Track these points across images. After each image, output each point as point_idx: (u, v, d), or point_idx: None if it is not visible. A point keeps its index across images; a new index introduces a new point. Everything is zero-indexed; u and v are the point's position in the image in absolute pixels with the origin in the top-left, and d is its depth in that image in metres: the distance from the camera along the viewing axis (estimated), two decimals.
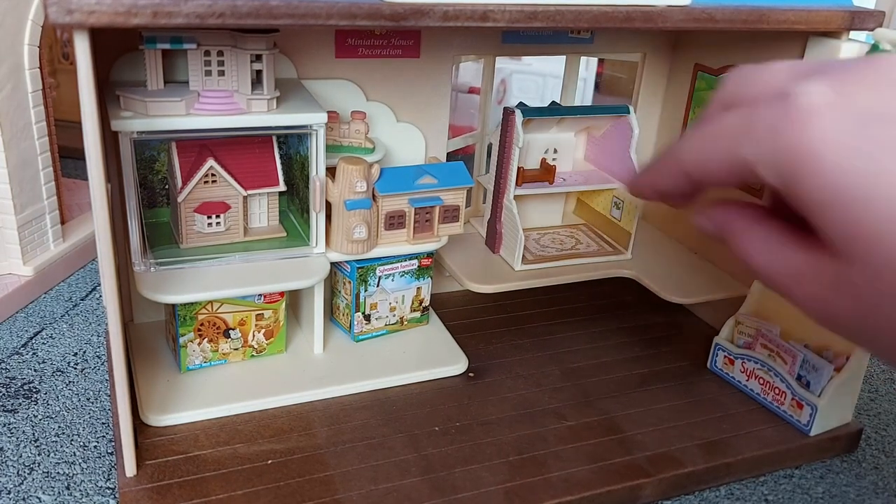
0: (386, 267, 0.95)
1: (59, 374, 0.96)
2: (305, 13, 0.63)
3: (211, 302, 0.87)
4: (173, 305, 0.86)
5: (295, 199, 0.93)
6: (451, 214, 0.94)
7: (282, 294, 0.91)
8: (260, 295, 0.89)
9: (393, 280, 0.96)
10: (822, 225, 0.37)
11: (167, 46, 0.76)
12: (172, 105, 0.76)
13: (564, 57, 1.13)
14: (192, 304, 0.86)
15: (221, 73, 0.79)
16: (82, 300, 1.13)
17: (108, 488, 0.79)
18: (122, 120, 0.75)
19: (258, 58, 0.78)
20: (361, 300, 0.96)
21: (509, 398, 0.92)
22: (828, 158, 0.35)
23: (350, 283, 0.95)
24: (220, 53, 0.78)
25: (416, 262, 0.97)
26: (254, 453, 0.80)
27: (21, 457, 0.82)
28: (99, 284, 1.16)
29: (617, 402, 0.93)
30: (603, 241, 1.10)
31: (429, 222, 0.93)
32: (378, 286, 0.96)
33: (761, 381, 0.93)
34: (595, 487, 0.79)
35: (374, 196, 0.89)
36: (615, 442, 0.86)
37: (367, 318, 0.97)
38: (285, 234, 0.91)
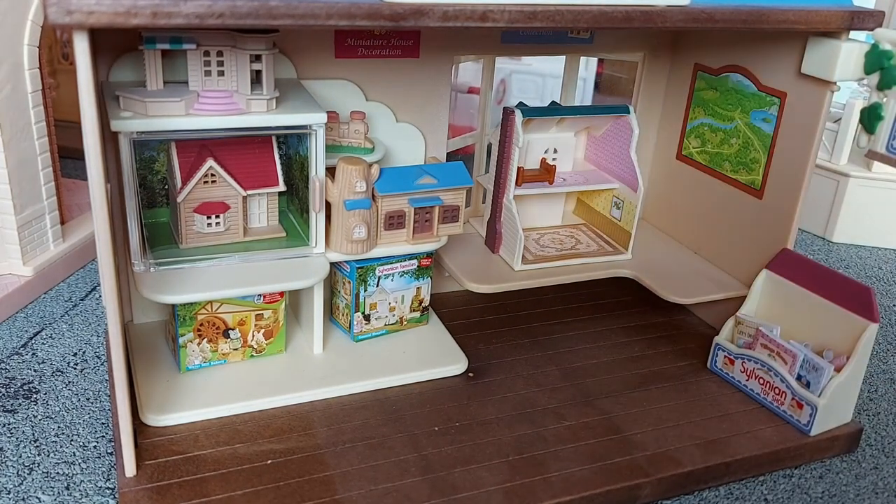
0: (385, 267, 0.95)
1: (58, 374, 0.96)
2: (305, 13, 0.64)
3: (210, 302, 0.87)
4: (173, 305, 0.86)
5: (294, 199, 0.93)
6: (450, 214, 0.94)
7: (281, 294, 0.91)
8: (259, 295, 0.89)
9: (392, 280, 0.96)
10: None
11: (167, 47, 0.76)
12: (172, 105, 0.76)
13: (564, 57, 1.13)
14: (191, 304, 0.86)
15: (221, 74, 0.79)
16: (82, 300, 1.13)
17: (108, 488, 0.79)
18: (122, 120, 0.75)
19: (258, 58, 0.78)
20: (361, 300, 0.96)
21: (509, 398, 0.92)
22: None
23: (350, 283, 0.95)
24: (220, 54, 0.78)
25: (415, 262, 0.97)
26: (254, 453, 0.80)
27: (21, 457, 0.82)
28: (99, 284, 1.16)
29: (616, 402, 0.93)
30: (603, 241, 1.10)
31: (428, 222, 0.93)
32: (378, 286, 0.96)
33: (761, 381, 0.93)
34: (594, 487, 0.79)
35: (373, 196, 0.89)
36: (615, 442, 0.86)
37: (367, 318, 0.98)
38: (285, 234, 0.91)
